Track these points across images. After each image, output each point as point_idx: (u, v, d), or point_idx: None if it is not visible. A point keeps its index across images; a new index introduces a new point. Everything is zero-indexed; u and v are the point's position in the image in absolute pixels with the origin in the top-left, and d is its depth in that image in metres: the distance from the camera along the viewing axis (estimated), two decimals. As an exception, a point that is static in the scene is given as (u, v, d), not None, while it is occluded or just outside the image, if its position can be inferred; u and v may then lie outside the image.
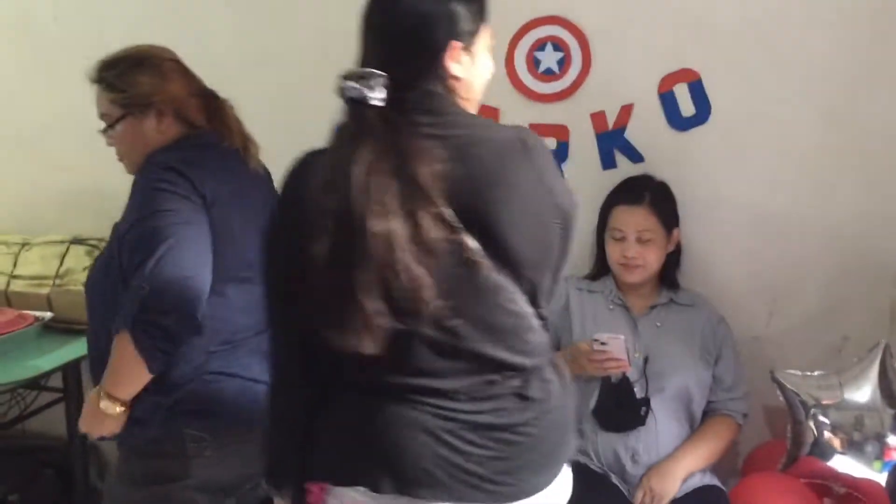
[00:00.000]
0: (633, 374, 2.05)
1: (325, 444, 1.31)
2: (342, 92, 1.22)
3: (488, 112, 2.33)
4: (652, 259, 2.12)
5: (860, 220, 2.19)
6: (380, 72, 1.21)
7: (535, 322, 1.33)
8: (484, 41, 1.34)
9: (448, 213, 1.20)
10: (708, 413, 2.14)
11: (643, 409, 2.03)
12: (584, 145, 2.32)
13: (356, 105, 1.22)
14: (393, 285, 1.18)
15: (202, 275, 1.56)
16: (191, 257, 1.54)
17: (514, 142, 1.28)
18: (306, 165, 1.29)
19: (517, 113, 2.33)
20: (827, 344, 2.23)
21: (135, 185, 1.64)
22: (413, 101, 1.25)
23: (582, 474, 1.99)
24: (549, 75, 2.31)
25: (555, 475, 1.34)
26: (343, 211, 1.17)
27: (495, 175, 1.24)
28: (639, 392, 2.05)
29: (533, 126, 2.33)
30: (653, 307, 2.17)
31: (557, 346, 2.18)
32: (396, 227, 1.17)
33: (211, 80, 2.46)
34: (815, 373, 2.06)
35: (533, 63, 2.31)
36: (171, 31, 2.44)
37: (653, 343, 2.10)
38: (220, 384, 1.65)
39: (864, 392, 2.01)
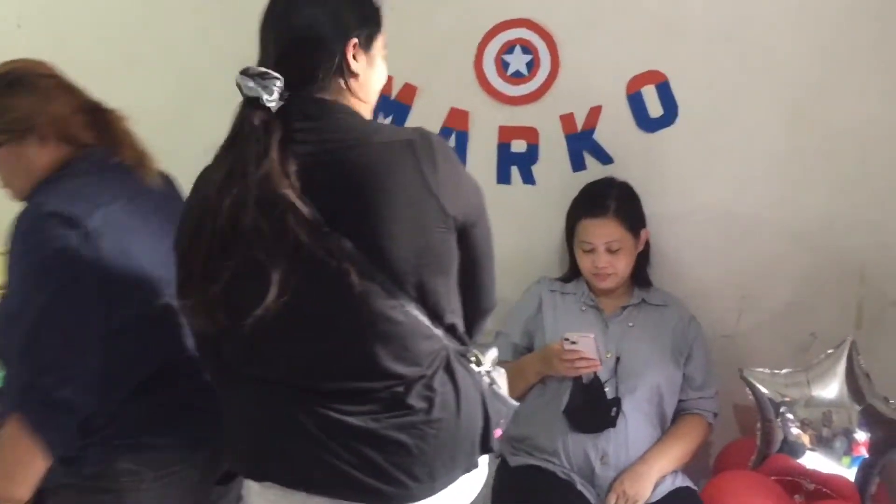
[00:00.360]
0: (604, 375, 2.06)
1: (232, 439, 1.39)
2: (240, 89, 1.25)
3: (459, 115, 2.34)
4: (622, 266, 2.13)
5: (826, 220, 2.22)
6: (276, 74, 1.24)
7: (433, 330, 1.33)
8: (381, 47, 1.38)
9: (314, 217, 1.21)
10: (679, 412, 2.15)
11: (614, 409, 2.03)
12: (553, 147, 2.33)
13: (248, 104, 1.25)
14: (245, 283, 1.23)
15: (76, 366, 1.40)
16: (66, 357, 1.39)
17: (400, 145, 1.27)
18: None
19: (487, 115, 2.34)
20: (795, 341, 2.25)
21: (16, 239, 1.42)
22: (295, 107, 1.27)
23: (546, 481, 2.03)
24: (518, 78, 2.31)
25: (441, 485, 1.33)
26: (212, 209, 1.23)
27: (371, 179, 1.24)
28: (610, 392, 2.06)
29: (503, 128, 2.34)
30: (624, 308, 2.18)
31: (531, 347, 2.19)
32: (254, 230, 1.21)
33: (176, 85, 2.46)
34: (784, 370, 2.09)
35: (502, 66, 2.31)
36: (137, 37, 2.46)
37: (624, 343, 2.12)
38: (151, 412, 1.53)
39: (831, 388, 2.04)
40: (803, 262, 2.26)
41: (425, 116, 2.34)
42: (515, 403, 1.52)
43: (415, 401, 1.31)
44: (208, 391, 1.46)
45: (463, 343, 1.43)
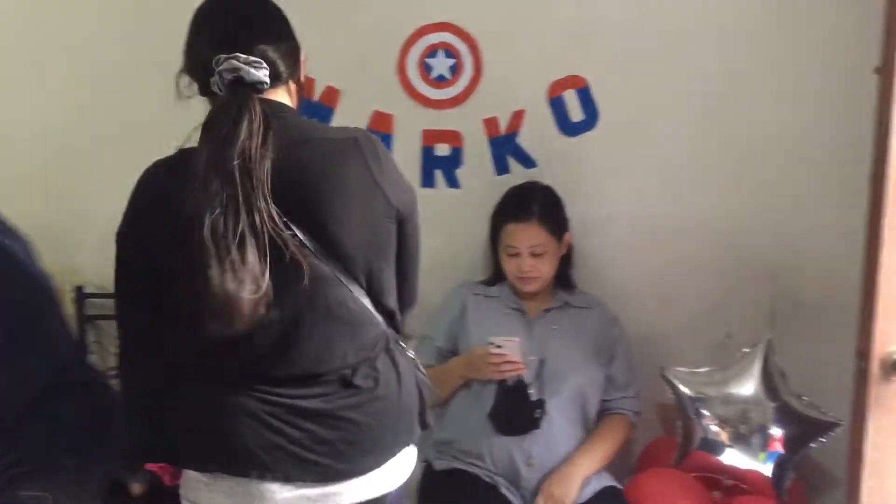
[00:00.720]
0: (528, 377, 2.07)
1: (173, 430, 1.39)
2: (230, 72, 1.28)
3: (382, 118, 2.33)
4: (546, 270, 2.15)
5: (738, 223, 2.29)
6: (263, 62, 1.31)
7: (376, 317, 1.42)
8: None
9: (275, 209, 1.26)
10: (602, 413, 2.18)
11: (538, 411, 2.04)
12: (477, 151, 2.34)
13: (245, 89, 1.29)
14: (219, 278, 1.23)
15: None
16: None
17: (346, 141, 1.35)
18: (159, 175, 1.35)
19: (411, 119, 2.34)
20: (712, 341, 2.30)
21: None
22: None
23: (470, 485, 2.03)
24: (441, 82, 2.32)
25: (386, 458, 1.41)
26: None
27: (323, 172, 1.31)
28: (534, 394, 2.07)
29: (426, 132, 2.34)
30: (548, 310, 2.19)
31: (455, 351, 2.19)
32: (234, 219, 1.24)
33: (104, 86, 2.41)
34: (703, 369, 2.13)
35: (425, 69, 2.31)
36: (61, 39, 2.40)
37: (548, 345, 2.13)
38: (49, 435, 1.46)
39: (748, 386, 2.09)
40: (718, 263, 2.32)
41: (349, 119, 2.32)
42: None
43: (361, 381, 1.38)
44: (106, 406, 1.43)
45: (398, 330, 1.50)
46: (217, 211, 1.21)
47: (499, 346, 1.98)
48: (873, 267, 1.60)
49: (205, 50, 1.32)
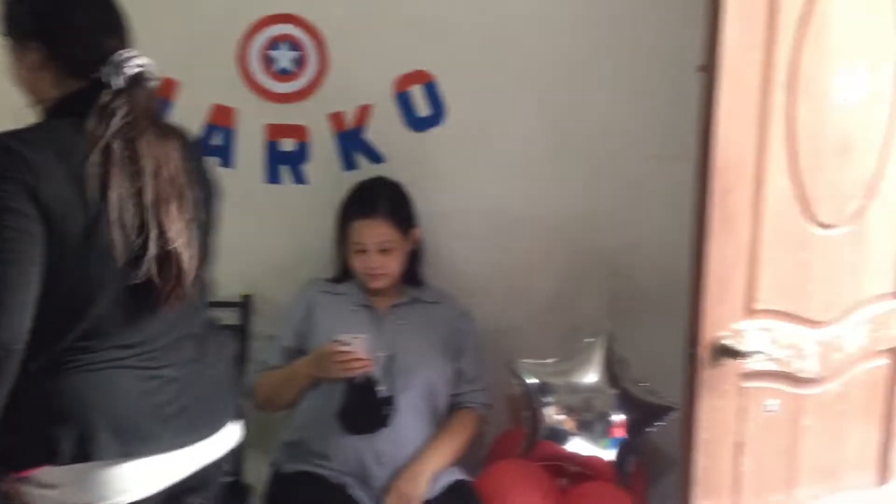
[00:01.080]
0: (377, 374, 2.05)
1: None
2: (124, 66, 1.34)
3: (223, 112, 2.25)
4: (394, 266, 2.13)
5: (583, 218, 2.35)
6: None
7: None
8: None
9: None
10: (452, 407, 2.18)
11: (387, 408, 2.03)
12: (324, 146, 2.29)
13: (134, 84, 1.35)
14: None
15: None
16: None
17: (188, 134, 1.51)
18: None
19: (253, 113, 2.26)
20: (560, 333, 2.36)
21: None
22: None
23: (316, 487, 1.99)
24: (285, 75, 2.25)
25: (227, 421, 1.53)
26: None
27: (194, 158, 1.47)
28: (383, 391, 2.05)
29: (271, 127, 2.28)
30: (397, 306, 2.18)
31: (303, 351, 2.14)
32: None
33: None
34: (549, 360, 2.18)
35: (267, 62, 2.24)
36: None
37: (397, 341, 2.11)
38: None
39: (591, 375, 2.15)
40: (564, 257, 2.38)
41: (187, 112, 2.21)
42: None
43: (203, 352, 1.48)
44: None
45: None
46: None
47: (346, 344, 1.95)
48: (700, 257, 1.68)
49: (97, 33, 1.36)
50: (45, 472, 1.30)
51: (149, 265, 1.33)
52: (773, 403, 1.80)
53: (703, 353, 1.71)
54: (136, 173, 1.32)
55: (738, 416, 1.78)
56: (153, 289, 1.35)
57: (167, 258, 1.35)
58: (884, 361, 1.95)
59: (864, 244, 1.85)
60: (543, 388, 2.14)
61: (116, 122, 1.32)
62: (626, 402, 2.12)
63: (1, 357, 1.23)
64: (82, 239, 1.28)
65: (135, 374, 1.37)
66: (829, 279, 1.82)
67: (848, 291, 1.86)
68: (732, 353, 1.70)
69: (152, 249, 1.33)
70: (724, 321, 1.71)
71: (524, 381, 2.14)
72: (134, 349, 1.37)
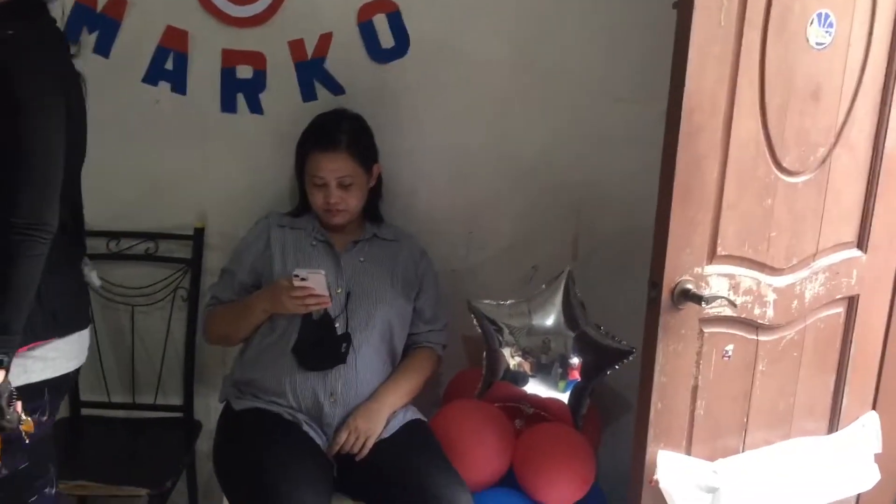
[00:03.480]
0: (334, 311, 2.01)
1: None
2: None
3: (176, 34, 2.15)
4: (354, 202, 2.08)
5: (546, 158, 2.30)
6: None
7: None
8: None
9: None
10: (409, 346, 2.16)
11: (344, 345, 1.99)
12: (282, 75, 2.20)
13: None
14: None
15: None
16: None
17: None
18: None
19: (209, 37, 2.16)
20: (518, 274, 2.34)
21: None
22: None
23: (270, 424, 1.96)
24: (243, -3, 2.14)
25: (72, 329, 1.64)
26: None
27: None
28: (340, 329, 2.01)
29: (227, 52, 2.18)
30: (356, 242, 2.13)
31: (259, 286, 2.08)
32: None
33: None
34: (508, 301, 2.15)
35: (225, -18, 2.13)
36: None
37: (355, 279, 2.07)
38: None
39: (550, 317, 2.13)
40: (526, 197, 2.34)
41: (137, 33, 2.13)
42: None
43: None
44: None
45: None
46: None
47: (303, 279, 1.90)
48: (666, 201, 1.65)
49: None
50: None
51: None
52: (730, 349, 1.81)
53: (665, 296, 1.70)
54: None
55: (696, 361, 1.78)
56: None
57: None
58: (839, 310, 1.97)
59: (827, 192, 1.84)
60: (502, 329, 2.12)
61: None
62: (585, 345, 2.10)
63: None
64: None
65: None
66: (792, 227, 1.81)
67: (809, 239, 1.85)
68: (693, 298, 1.69)
69: None
70: (686, 265, 1.70)
71: (483, 321, 2.11)
72: None
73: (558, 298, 2.13)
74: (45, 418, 1.61)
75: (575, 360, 2.11)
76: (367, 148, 2.11)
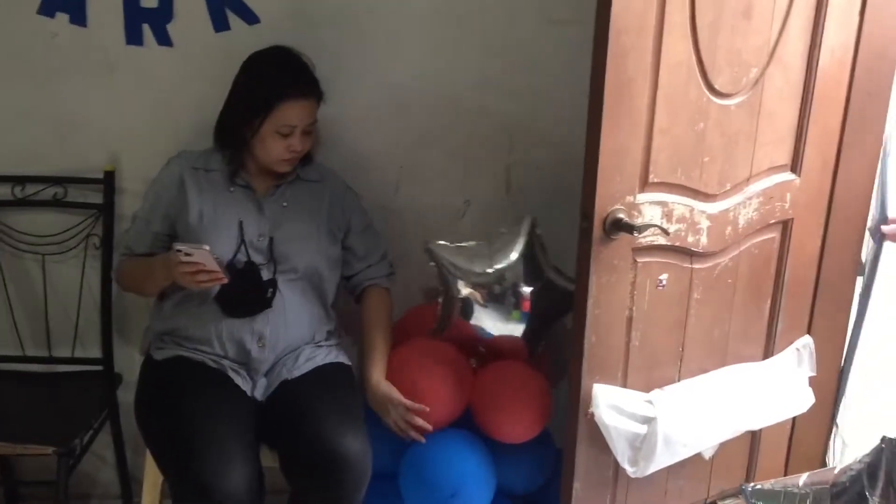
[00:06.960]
0: (259, 258, 1.93)
1: None
2: None
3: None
4: (308, 146, 1.98)
5: (480, 88, 2.22)
6: None
7: None
8: None
9: None
10: (356, 289, 2.12)
11: (270, 290, 1.91)
12: (190, 3, 2.05)
13: None
14: None
15: None
16: None
17: None
18: None
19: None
20: (452, 208, 2.27)
21: None
22: None
23: (194, 371, 1.90)
24: (143, -84, 1.98)
25: None
26: None
27: None
28: (266, 274, 1.93)
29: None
30: (279, 186, 2.02)
31: (174, 235, 1.97)
32: None
33: None
34: (468, 244, 2.05)
35: None
36: None
37: (279, 224, 1.97)
38: None
39: (511, 262, 2.03)
40: (459, 130, 2.25)
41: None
42: None
43: None
44: None
45: None
46: None
47: (188, 254, 1.75)
48: (594, 128, 1.59)
49: None
50: None
51: None
52: (665, 278, 1.77)
53: (596, 227, 1.64)
54: None
55: (630, 292, 1.74)
56: None
57: None
58: (773, 235, 1.94)
59: (760, 114, 1.79)
60: (461, 272, 2.03)
61: None
62: (547, 291, 2.03)
63: None
64: None
65: None
66: (725, 151, 1.76)
67: (742, 164, 1.81)
68: (626, 228, 1.64)
69: None
70: (618, 194, 1.64)
71: (442, 263, 2.01)
72: None
73: (520, 245, 2.04)
74: None
75: (526, 290, 2.04)
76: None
